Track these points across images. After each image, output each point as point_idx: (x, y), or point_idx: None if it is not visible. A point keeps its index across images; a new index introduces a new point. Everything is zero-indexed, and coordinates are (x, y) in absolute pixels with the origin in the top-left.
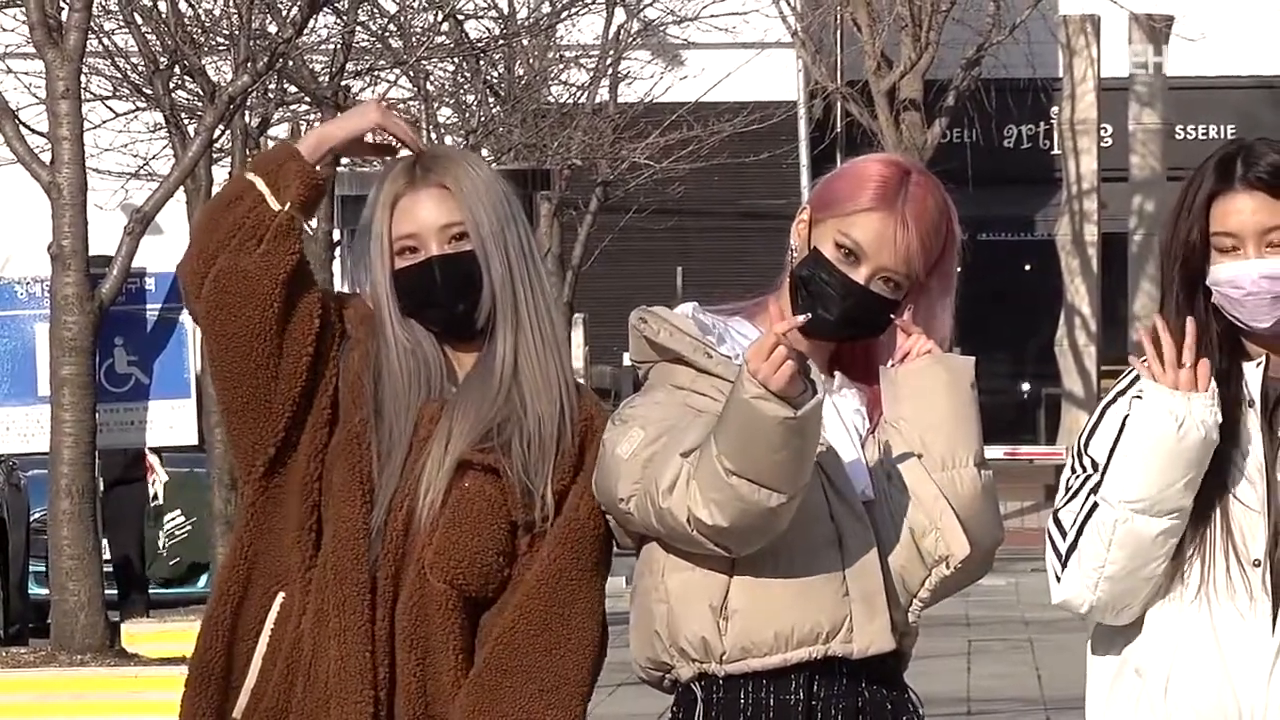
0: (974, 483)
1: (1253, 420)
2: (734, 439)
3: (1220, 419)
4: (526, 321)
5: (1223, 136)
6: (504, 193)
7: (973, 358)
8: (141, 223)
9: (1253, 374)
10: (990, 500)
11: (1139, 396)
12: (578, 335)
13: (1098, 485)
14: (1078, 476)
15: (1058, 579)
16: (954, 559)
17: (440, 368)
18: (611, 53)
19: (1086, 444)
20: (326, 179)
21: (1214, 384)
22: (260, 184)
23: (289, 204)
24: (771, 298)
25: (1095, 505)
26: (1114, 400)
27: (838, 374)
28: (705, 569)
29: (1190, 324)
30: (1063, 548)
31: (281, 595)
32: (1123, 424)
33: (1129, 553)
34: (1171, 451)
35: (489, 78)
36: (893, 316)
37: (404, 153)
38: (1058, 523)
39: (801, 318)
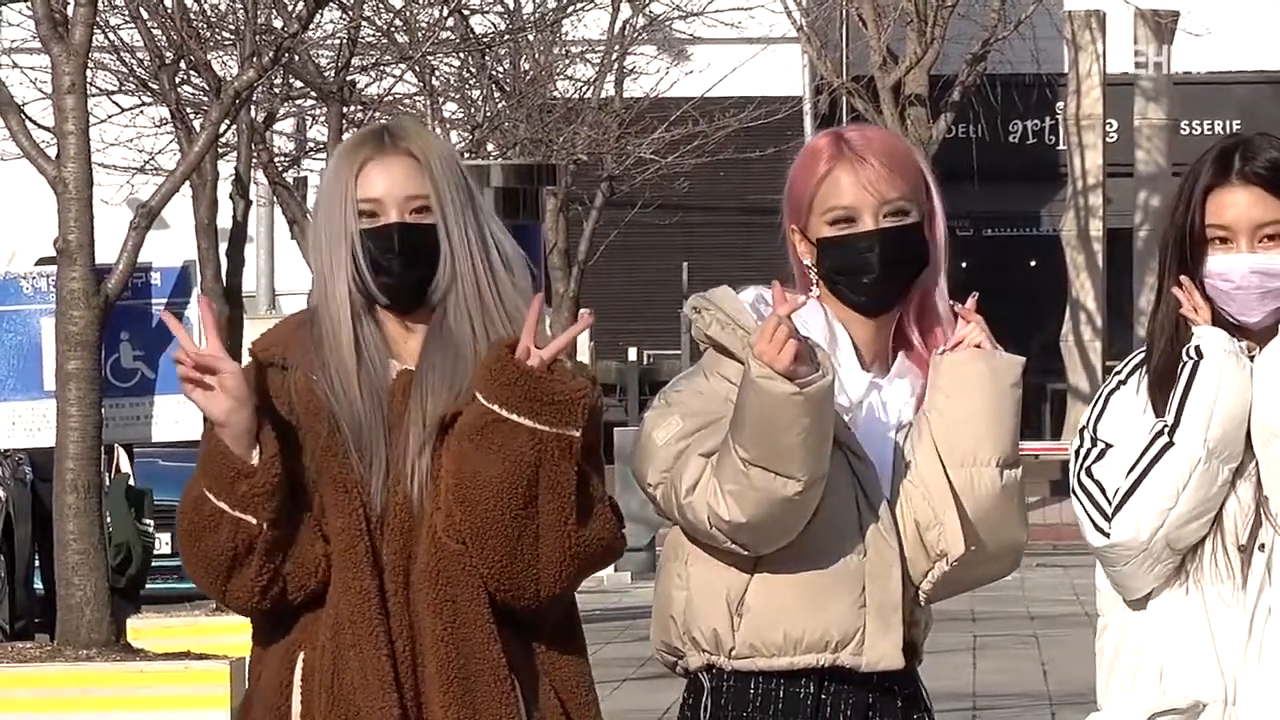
0: (992, 483)
1: None
2: (747, 424)
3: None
4: (489, 301)
5: (1228, 131)
6: (463, 172)
7: (1022, 358)
8: (147, 217)
9: None
10: (1010, 501)
11: (1197, 348)
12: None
13: (1170, 429)
14: (1093, 447)
15: (1107, 520)
16: (950, 556)
17: (379, 344)
18: (617, 48)
19: (1096, 428)
20: (274, 457)
21: None
22: (232, 511)
23: (265, 524)
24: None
25: (1168, 446)
26: (1118, 387)
27: (899, 357)
28: (728, 563)
29: (1186, 281)
30: (1113, 492)
31: (303, 653)
32: (1190, 374)
33: (1200, 496)
34: (1244, 386)
35: (494, 73)
36: (954, 306)
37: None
38: (1091, 476)
39: (803, 297)
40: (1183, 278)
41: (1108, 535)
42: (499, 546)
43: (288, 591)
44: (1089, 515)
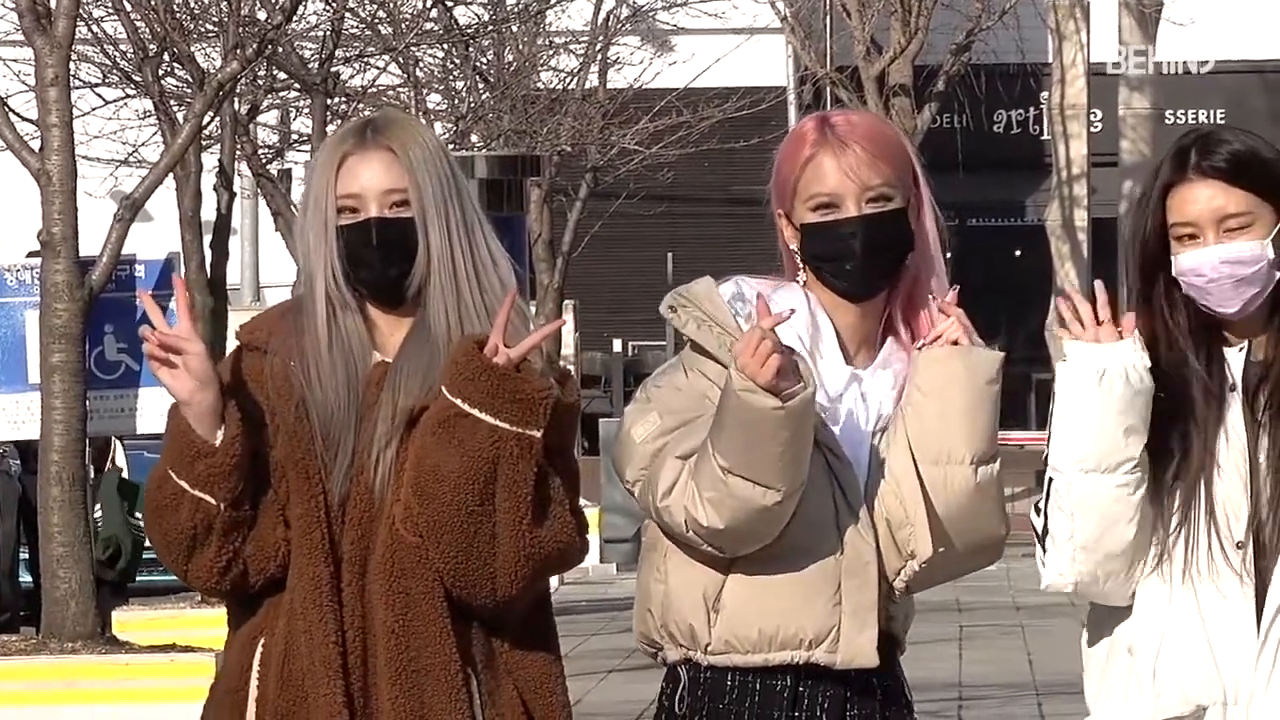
0: (966, 481)
1: (1235, 405)
2: (727, 434)
3: (1149, 363)
4: (468, 295)
5: (1212, 121)
6: (451, 166)
7: (1000, 354)
8: (131, 210)
9: (1235, 359)
10: (986, 498)
11: (1064, 361)
12: (567, 321)
13: (1045, 463)
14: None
15: (1042, 565)
16: (919, 557)
17: (360, 335)
18: (601, 38)
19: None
20: (235, 438)
21: (1137, 333)
22: (191, 490)
23: (222, 504)
24: (768, 289)
25: (1050, 480)
26: None
27: (888, 343)
28: (705, 560)
29: (1100, 286)
30: (1039, 532)
31: (263, 639)
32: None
33: (1093, 517)
34: (1099, 403)
35: (478, 64)
36: (932, 296)
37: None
38: (1036, 511)
39: (787, 310)
40: (1060, 298)
41: (1046, 578)
42: (454, 542)
43: (248, 574)
44: (1037, 555)
